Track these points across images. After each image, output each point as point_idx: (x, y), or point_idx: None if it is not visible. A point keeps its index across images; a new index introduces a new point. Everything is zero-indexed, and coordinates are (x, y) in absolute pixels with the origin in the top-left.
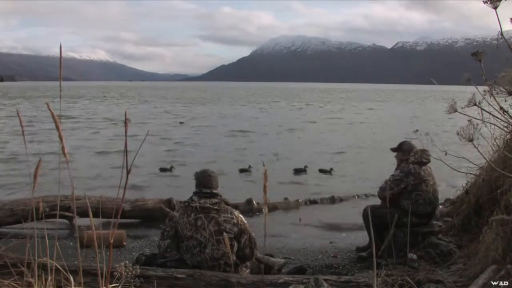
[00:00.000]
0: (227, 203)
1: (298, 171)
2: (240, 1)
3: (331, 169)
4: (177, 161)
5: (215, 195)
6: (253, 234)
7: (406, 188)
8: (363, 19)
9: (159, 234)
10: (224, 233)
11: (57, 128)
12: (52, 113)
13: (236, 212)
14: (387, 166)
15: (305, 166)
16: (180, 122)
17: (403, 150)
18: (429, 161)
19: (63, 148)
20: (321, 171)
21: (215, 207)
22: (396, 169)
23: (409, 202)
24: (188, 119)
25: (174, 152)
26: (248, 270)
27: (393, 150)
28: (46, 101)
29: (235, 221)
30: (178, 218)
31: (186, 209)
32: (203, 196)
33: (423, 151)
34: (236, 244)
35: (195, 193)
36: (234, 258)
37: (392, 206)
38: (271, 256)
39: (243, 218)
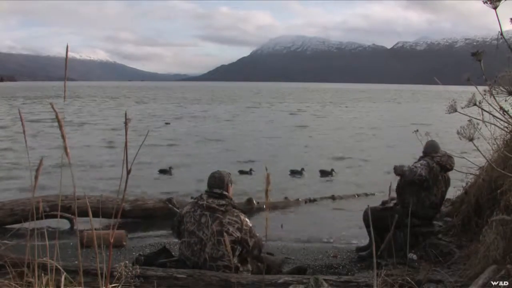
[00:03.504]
0: (234, 206)
1: (294, 173)
2: (238, 1)
3: (332, 170)
4: (161, 160)
5: (224, 197)
6: (258, 234)
7: (423, 183)
8: (362, 19)
9: (159, 234)
10: (225, 234)
11: (60, 127)
12: (56, 113)
13: (243, 216)
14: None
15: (302, 169)
16: (166, 123)
17: (424, 151)
18: (451, 169)
19: (65, 147)
20: (322, 172)
21: (221, 208)
22: (418, 160)
23: (415, 200)
24: (175, 120)
25: (159, 151)
26: (249, 274)
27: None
28: (50, 102)
29: (239, 225)
30: (185, 211)
31: (194, 205)
32: (212, 195)
33: (450, 157)
34: (238, 248)
35: (205, 192)
36: (236, 262)
37: (396, 204)
38: (271, 254)
39: (249, 222)
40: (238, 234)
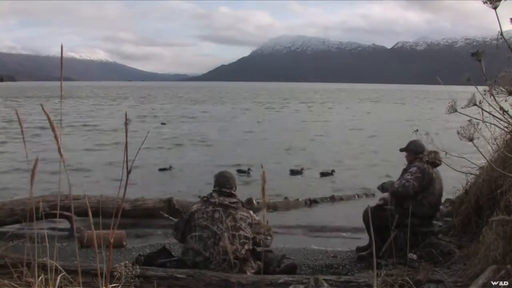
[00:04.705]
0: (243, 205)
1: (294, 173)
2: (237, 1)
3: (332, 170)
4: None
5: (233, 195)
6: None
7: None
8: (361, 19)
9: (159, 234)
10: (232, 232)
11: (53, 129)
12: (47, 115)
13: (251, 212)
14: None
15: (302, 168)
16: (162, 123)
17: (412, 149)
18: (440, 164)
19: (59, 148)
20: (323, 173)
21: (233, 205)
22: (408, 167)
23: (413, 203)
24: (172, 120)
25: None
26: (253, 270)
27: (402, 150)
28: (41, 103)
29: (250, 221)
30: (196, 208)
31: (205, 202)
32: (222, 194)
33: (436, 152)
34: (249, 243)
35: (214, 191)
36: (244, 253)
37: (396, 205)
38: (269, 251)
39: (256, 216)
40: (249, 229)
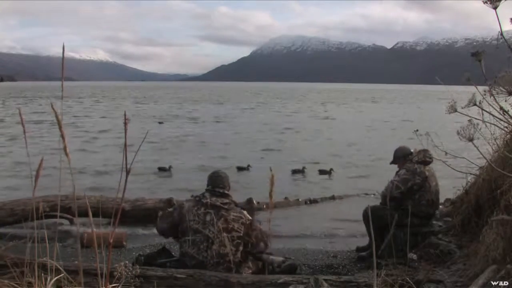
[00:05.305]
0: (236, 204)
1: (295, 172)
2: (237, 1)
3: (331, 169)
4: (166, 160)
5: (226, 195)
6: (261, 227)
7: (412, 187)
8: (361, 19)
9: (159, 235)
10: (225, 234)
11: (60, 127)
12: (55, 113)
13: (245, 212)
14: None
15: (303, 167)
16: (160, 122)
17: (398, 156)
18: (432, 161)
19: (65, 147)
20: (321, 172)
21: (225, 207)
22: (399, 170)
23: (412, 202)
24: (170, 120)
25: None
26: (251, 271)
27: (392, 163)
28: (51, 102)
29: (243, 220)
30: (188, 208)
31: (197, 203)
32: (215, 194)
33: (425, 151)
34: (242, 243)
35: (207, 190)
36: (239, 256)
37: (395, 206)
38: (270, 254)
39: (249, 217)
40: (243, 228)
